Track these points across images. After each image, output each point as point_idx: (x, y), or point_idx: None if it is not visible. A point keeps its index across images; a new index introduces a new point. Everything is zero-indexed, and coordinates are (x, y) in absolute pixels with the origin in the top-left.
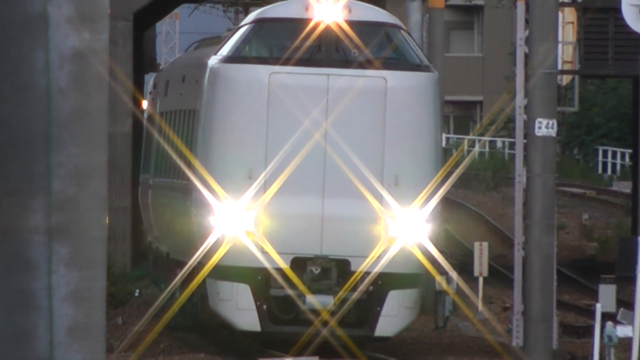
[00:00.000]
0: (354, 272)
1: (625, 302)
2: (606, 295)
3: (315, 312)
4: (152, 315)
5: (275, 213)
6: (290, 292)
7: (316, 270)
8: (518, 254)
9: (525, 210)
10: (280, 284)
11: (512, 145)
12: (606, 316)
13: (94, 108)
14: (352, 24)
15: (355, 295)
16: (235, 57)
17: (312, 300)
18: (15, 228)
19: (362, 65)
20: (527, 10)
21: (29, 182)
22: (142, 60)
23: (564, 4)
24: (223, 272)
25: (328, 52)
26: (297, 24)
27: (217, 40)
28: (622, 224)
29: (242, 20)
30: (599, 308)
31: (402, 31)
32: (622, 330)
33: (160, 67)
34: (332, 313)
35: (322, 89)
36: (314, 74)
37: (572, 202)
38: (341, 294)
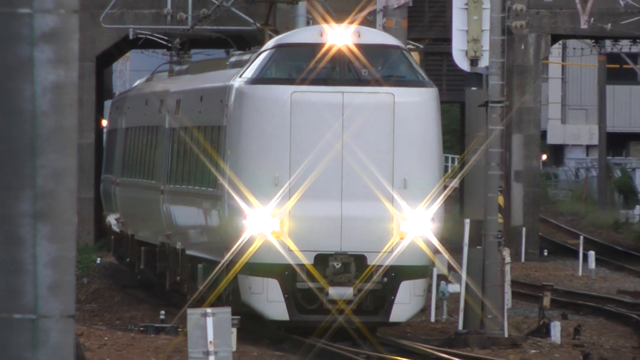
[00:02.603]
0: (370, 265)
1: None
2: (441, 262)
3: (336, 302)
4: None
5: (299, 216)
6: (314, 285)
7: (337, 265)
8: None
9: None
10: (305, 278)
11: None
12: (440, 277)
13: (67, 126)
14: (362, 47)
15: (369, 286)
16: (259, 79)
17: (334, 291)
18: (9, 214)
19: (372, 83)
20: None
21: (20, 180)
22: (102, 90)
23: (410, 50)
24: (254, 268)
25: (342, 72)
26: (312, 48)
27: (212, 63)
28: (453, 210)
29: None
30: (435, 271)
31: (404, 52)
32: (452, 288)
33: (115, 95)
34: (352, 302)
35: (338, 105)
36: (330, 92)
37: None
38: (359, 285)
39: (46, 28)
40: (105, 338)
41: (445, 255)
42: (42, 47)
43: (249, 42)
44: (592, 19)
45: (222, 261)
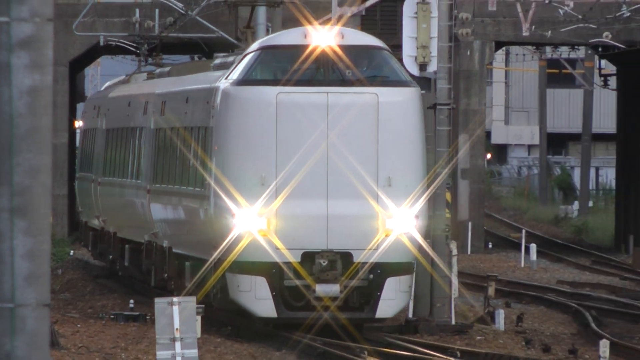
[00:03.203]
0: (356, 262)
1: None
2: None
3: (323, 299)
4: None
5: (286, 214)
6: (301, 282)
7: (324, 263)
8: None
9: None
10: (292, 275)
11: None
12: None
13: (43, 126)
14: (345, 48)
15: (354, 282)
16: (245, 81)
17: (321, 288)
18: None
19: (356, 84)
20: None
21: None
22: (75, 93)
23: None
24: (242, 267)
25: (326, 73)
26: (297, 50)
27: (195, 65)
28: None
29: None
30: None
31: (387, 52)
32: None
33: (89, 97)
34: (338, 299)
35: (323, 105)
36: (315, 93)
37: None
38: (345, 282)
39: (23, 35)
40: (78, 325)
41: (429, 251)
42: (19, 53)
43: (213, 48)
44: (533, 27)
45: (210, 260)
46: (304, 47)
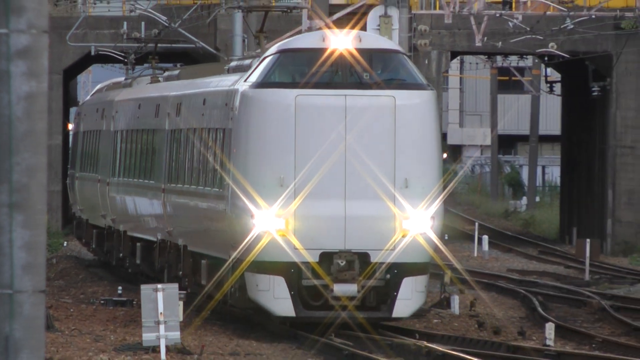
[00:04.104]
0: (373, 263)
1: None
2: None
3: (340, 298)
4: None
5: (304, 215)
6: (319, 282)
7: (341, 263)
8: None
9: None
10: (310, 275)
11: None
12: None
13: (39, 129)
14: (363, 51)
15: (372, 282)
16: (264, 83)
17: (339, 288)
18: None
19: (373, 87)
20: None
21: None
22: (68, 99)
23: None
24: (261, 266)
25: (344, 76)
26: (315, 53)
27: (206, 68)
28: None
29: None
30: None
31: (404, 56)
32: None
33: (80, 103)
34: (355, 298)
35: (341, 107)
36: (333, 95)
37: None
38: (363, 282)
39: (20, 46)
40: (71, 310)
41: (445, 251)
42: (17, 62)
43: (195, 58)
44: (486, 38)
45: (230, 259)
46: (322, 50)
